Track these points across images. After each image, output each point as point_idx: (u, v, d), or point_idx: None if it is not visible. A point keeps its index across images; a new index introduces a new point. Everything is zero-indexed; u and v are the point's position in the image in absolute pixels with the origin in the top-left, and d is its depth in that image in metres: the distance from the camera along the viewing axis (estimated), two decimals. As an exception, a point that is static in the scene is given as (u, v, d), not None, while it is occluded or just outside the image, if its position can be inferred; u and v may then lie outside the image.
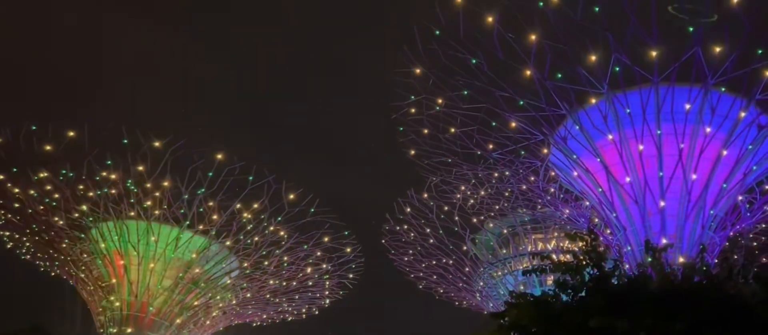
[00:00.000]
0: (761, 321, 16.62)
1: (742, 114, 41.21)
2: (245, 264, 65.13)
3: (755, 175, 44.44)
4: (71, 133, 53.03)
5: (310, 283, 70.96)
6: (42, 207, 59.59)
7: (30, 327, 49.35)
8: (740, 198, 45.20)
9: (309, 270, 68.12)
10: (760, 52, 37.91)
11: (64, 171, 56.50)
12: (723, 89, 40.42)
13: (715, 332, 16.42)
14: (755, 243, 56.17)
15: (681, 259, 38.22)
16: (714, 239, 43.17)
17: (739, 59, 38.61)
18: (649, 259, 20.54)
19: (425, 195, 59.89)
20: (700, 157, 42.06)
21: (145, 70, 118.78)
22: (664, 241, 39.11)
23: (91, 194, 58.02)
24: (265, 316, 78.22)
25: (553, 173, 48.64)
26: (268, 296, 71.50)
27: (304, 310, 78.02)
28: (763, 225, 52.81)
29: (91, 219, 60.10)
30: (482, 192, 56.06)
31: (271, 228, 61.67)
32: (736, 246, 49.55)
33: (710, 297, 17.77)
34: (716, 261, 39.38)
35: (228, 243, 62.55)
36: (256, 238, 62.50)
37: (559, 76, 41.39)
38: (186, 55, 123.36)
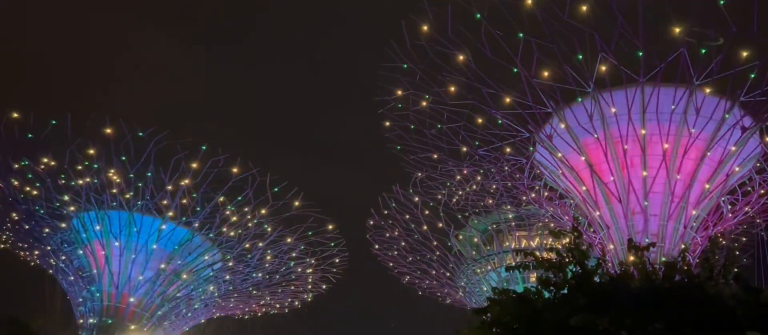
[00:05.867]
0: (740, 322, 16.68)
1: (727, 115, 41.52)
2: (228, 257, 64.79)
3: (738, 176, 44.83)
4: (54, 122, 52.47)
5: (293, 277, 70.78)
6: (23, 196, 58.91)
7: (7, 318, 48.66)
8: (723, 198, 45.58)
9: (292, 263, 67.92)
10: (745, 54, 38.13)
11: (45, 160, 55.87)
12: (708, 90, 40.65)
13: (695, 332, 16.45)
14: (736, 244, 56.74)
15: (663, 258, 38.45)
16: (696, 239, 43.52)
17: (724, 61, 38.86)
18: (632, 258, 20.56)
19: (410, 191, 59.88)
20: (684, 157, 42.35)
21: (133, 65, 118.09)
22: (646, 240, 39.32)
23: (73, 184, 57.41)
24: (247, 309, 77.94)
25: (538, 171, 48.76)
26: (250, 289, 71.23)
27: (286, 303, 77.83)
28: (745, 226, 53.33)
29: (72, 209, 59.48)
30: (467, 189, 56.10)
31: (255, 220, 61.38)
32: (718, 246, 50.01)
33: (690, 296, 17.81)
34: (697, 261, 39.70)
35: (211, 235, 62.18)
36: (240, 231, 62.18)
37: (546, 74, 41.42)
38: (169, 49, 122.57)
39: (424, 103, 45.21)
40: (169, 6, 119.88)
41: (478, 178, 53.12)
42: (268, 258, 66.36)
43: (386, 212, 63.41)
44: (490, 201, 58.06)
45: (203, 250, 63.29)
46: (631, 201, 42.82)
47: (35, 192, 58.24)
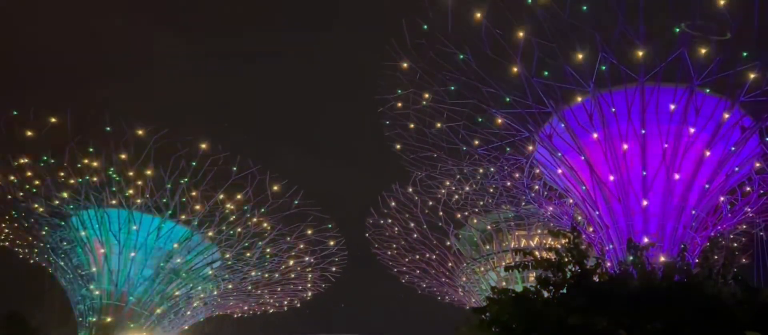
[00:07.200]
0: (739, 321, 16.68)
1: (726, 115, 41.46)
2: (227, 255, 64.73)
3: (737, 177, 44.77)
4: (53, 119, 52.35)
5: (293, 276, 70.75)
6: (22, 194, 58.83)
7: (6, 314, 48.69)
8: (722, 199, 45.52)
9: (291, 262, 67.88)
10: (745, 54, 38.08)
11: (45, 158, 55.80)
12: (707, 90, 40.61)
13: (694, 331, 16.45)
14: (735, 244, 56.68)
15: (662, 258, 38.45)
16: (695, 239, 43.46)
17: (724, 61, 38.80)
18: (631, 258, 20.57)
19: (410, 190, 59.85)
20: (683, 157, 42.30)
21: (133, 63, 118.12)
22: (646, 240, 39.30)
23: (72, 181, 57.33)
24: (246, 308, 77.91)
25: (537, 170, 48.72)
26: (249, 287, 71.20)
27: (286, 302, 77.82)
28: (744, 227, 53.28)
29: (71, 206, 59.40)
30: (467, 188, 56.08)
31: (254, 219, 61.33)
32: (717, 246, 49.95)
33: (689, 296, 17.80)
34: (696, 261, 39.70)
35: (210, 233, 62.12)
36: (239, 229, 62.12)
37: (546, 73, 41.37)
38: (169, 48, 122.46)
39: (424, 102, 45.15)
40: (170, 5, 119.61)
41: (478, 177, 53.09)
42: (268, 256, 66.32)
43: (386, 211, 63.42)
44: (490, 201, 58.01)
45: (202, 249, 63.23)
46: (631, 200, 42.76)
47: (34, 190, 58.15)
